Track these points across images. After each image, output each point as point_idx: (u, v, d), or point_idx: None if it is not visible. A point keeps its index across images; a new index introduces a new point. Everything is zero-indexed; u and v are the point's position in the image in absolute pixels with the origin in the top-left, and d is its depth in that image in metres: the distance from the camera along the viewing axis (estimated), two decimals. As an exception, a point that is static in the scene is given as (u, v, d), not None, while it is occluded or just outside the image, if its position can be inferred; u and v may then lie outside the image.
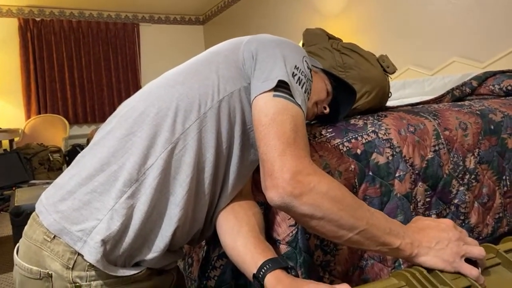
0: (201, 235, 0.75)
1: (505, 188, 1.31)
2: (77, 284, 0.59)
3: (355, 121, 1.09)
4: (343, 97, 1.03)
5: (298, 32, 3.33)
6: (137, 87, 5.39)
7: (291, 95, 0.64)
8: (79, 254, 0.59)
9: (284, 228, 0.81)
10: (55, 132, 4.72)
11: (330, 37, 1.24)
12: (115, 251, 0.60)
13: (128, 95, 5.32)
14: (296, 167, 0.57)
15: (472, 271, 0.58)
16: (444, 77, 2.00)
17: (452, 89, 1.79)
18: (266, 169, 0.59)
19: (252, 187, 0.85)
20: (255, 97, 0.65)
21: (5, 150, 4.29)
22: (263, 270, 0.58)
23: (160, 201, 0.63)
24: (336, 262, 0.94)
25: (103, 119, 5.18)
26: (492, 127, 1.30)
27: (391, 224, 0.61)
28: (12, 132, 4.25)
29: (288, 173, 0.56)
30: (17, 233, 1.87)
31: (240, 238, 0.66)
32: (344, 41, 1.29)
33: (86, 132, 5.09)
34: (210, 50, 0.76)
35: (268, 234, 0.82)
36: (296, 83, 0.66)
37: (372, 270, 1.00)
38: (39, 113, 4.82)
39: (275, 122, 0.61)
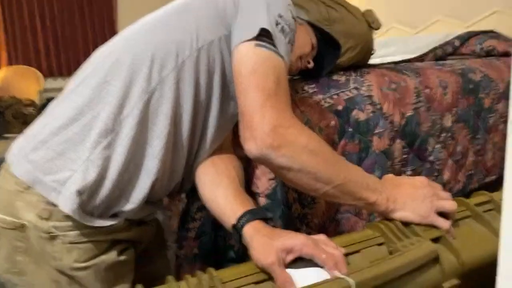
0: (180, 187, 0.74)
1: (478, 147, 1.35)
2: (53, 234, 0.59)
3: (337, 77, 1.08)
4: (327, 51, 1.01)
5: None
6: (112, 35, 5.16)
7: (274, 45, 0.62)
8: (54, 204, 0.58)
9: (263, 181, 0.82)
10: (28, 84, 4.52)
11: (316, -11, 1.19)
12: (91, 202, 0.60)
13: (104, 48, 5.11)
14: (276, 119, 0.56)
15: (444, 224, 0.60)
16: (428, 36, 1.98)
17: (435, 48, 1.79)
18: (245, 120, 0.58)
19: (232, 141, 0.84)
20: (236, 46, 0.63)
21: (-25, 102, 4.12)
22: (242, 221, 0.58)
23: (137, 152, 0.62)
24: (313, 215, 0.96)
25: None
26: (471, 86, 1.32)
27: (368, 179, 0.62)
28: (-19, 84, 4.06)
29: (267, 125, 0.55)
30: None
31: (220, 190, 0.66)
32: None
33: (61, 85, 4.90)
34: None
35: (248, 187, 0.83)
36: (280, 32, 0.63)
37: (348, 223, 1.03)
38: (10, 64, 4.58)
39: (256, 73, 0.59)
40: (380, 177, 1.02)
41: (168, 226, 0.90)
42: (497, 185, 1.51)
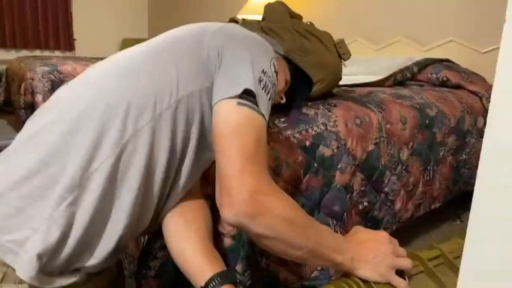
0: (144, 232, 0.72)
1: (427, 178, 1.44)
2: None
3: (306, 110, 1.09)
4: (299, 84, 1.02)
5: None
6: (67, 13, 4.81)
7: (256, 104, 0.61)
8: (9, 266, 0.54)
9: (230, 225, 0.82)
10: (-35, 54, 4.11)
11: (292, 15, 1.19)
12: (52, 263, 0.56)
13: (56, 23, 4.74)
14: (254, 187, 0.55)
15: (401, 284, 0.64)
16: (390, 58, 2.07)
17: (395, 73, 1.86)
18: (223, 185, 0.56)
19: (201, 179, 0.83)
20: (217, 101, 0.61)
21: None
22: (210, 286, 0.58)
23: (104, 207, 0.58)
24: (274, 248, 0.98)
25: (25, 45, 4.61)
26: (427, 121, 1.39)
27: (336, 240, 0.63)
28: None
29: (246, 193, 0.55)
30: None
31: (188, 245, 0.65)
32: (296, 10, 1.25)
33: (4, 57, 4.50)
34: (170, 36, 0.69)
35: (214, 227, 0.82)
36: (262, 89, 0.63)
37: (306, 254, 1.06)
38: None
39: (237, 134, 0.58)
40: (339, 211, 1.08)
41: (129, 269, 0.87)
42: (440, 211, 1.62)
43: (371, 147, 1.18)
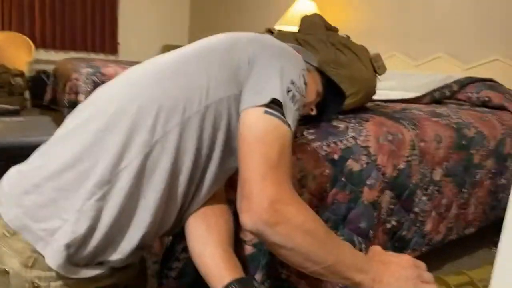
0: (168, 232, 0.74)
1: (462, 200, 1.38)
2: (36, 284, 0.57)
3: (337, 123, 1.08)
4: (331, 97, 1.01)
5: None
6: (113, 19, 5.04)
7: (283, 113, 0.61)
8: (39, 253, 0.57)
9: (252, 232, 0.82)
10: (18, 53, 4.38)
11: (328, 28, 1.19)
12: (78, 253, 0.58)
13: (102, 27, 4.98)
14: (275, 195, 0.55)
15: None
16: (427, 75, 2.01)
17: (433, 91, 1.81)
18: (244, 190, 0.57)
19: (226, 183, 0.84)
20: (245, 109, 0.62)
21: (-39, 66, 3.98)
22: None
23: (130, 204, 0.60)
24: (296, 260, 0.97)
25: (73, 47, 4.87)
26: (464, 142, 1.34)
27: (357, 258, 0.62)
28: (-30, 47, 3.91)
29: (266, 200, 0.55)
30: (-29, 169, 1.78)
31: (208, 249, 0.66)
32: (335, 23, 1.24)
33: (53, 58, 4.77)
34: (205, 43, 0.71)
35: (236, 234, 0.83)
36: (290, 100, 0.63)
37: (328, 269, 1.04)
38: (2, 29, 4.43)
39: (261, 142, 0.59)
40: (365, 228, 1.06)
41: (152, 269, 0.89)
42: (475, 237, 1.55)
43: (402, 164, 1.15)
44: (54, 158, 0.60)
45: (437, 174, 1.26)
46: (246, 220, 0.56)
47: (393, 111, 1.36)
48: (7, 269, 0.57)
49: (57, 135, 0.64)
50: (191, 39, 5.53)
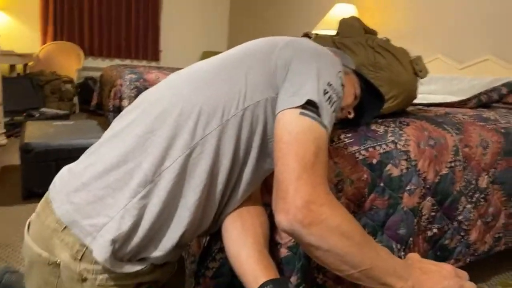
0: (206, 232, 0.75)
1: (511, 210, 1.31)
2: (84, 276, 0.61)
3: (376, 127, 1.06)
4: (369, 100, 0.99)
5: (328, 3, 3.16)
6: (156, 27, 5.24)
7: (319, 115, 0.61)
8: (87, 247, 0.60)
9: (288, 235, 0.82)
10: (69, 61, 4.66)
11: (366, 31, 1.18)
12: (123, 249, 0.61)
13: (146, 36, 5.19)
14: (310, 195, 0.55)
15: None
16: (472, 78, 1.91)
17: (480, 94, 1.72)
18: (279, 190, 0.57)
19: (262, 187, 0.85)
20: (281, 111, 0.63)
21: (18, 74, 4.28)
22: None
23: (171, 203, 0.63)
24: (332, 266, 0.96)
25: (118, 55, 5.10)
26: (513, 148, 1.26)
27: (396, 264, 0.61)
28: (26, 57, 4.20)
29: (301, 200, 0.55)
30: (26, 169, 1.91)
31: (244, 249, 0.67)
32: (374, 26, 1.22)
33: (99, 65, 5.03)
34: (243, 49, 0.72)
35: (271, 235, 0.83)
36: (326, 101, 0.63)
37: (365, 276, 1.02)
38: (55, 39, 4.73)
39: (297, 142, 0.59)
40: (405, 235, 1.03)
41: (190, 269, 0.91)
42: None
43: (444, 170, 1.10)
44: (101, 158, 0.64)
45: (484, 181, 1.20)
46: (281, 220, 0.56)
47: (436, 115, 1.31)
48: (58, 261, 0.61)
49: (104, 137, 0.68)
50: (230, 46, 5.63)
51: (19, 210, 1.86)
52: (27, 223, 0.69)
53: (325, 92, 0.63)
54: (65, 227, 0.61)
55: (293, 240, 0.83)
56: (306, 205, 0.55)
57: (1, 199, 1.96)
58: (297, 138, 0.59)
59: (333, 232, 0.56)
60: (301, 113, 0.61)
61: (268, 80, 0.66)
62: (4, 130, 3.00)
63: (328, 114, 0.63)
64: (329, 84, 0.64)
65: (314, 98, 0.61)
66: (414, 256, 0.67)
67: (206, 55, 5.53)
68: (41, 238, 0.64)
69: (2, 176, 2.30)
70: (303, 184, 0.56)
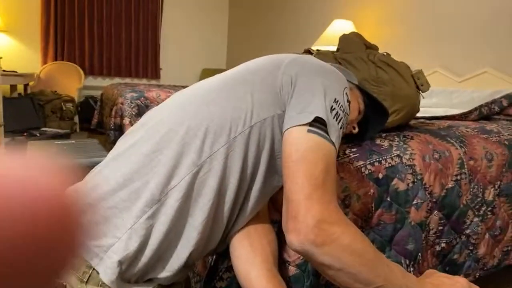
0: (213, 251, 0.74)
1: (519, 222, 1.29)
2: None
3: (380, 141, 1.06)
4: (373, 114, 1.00)
5: (326, 19, 3.20)
6: (155, 45, 5.29)
7: (326, 132, 0.61)
8: (94, 269, 0.59)
9: (296, 253, 0.81)
10: (69, 81, 4.69)
11: (367, 46, 1.19)
12: (129, 270, 0.60)
13: (146, 54, 5.24)
14: (321, 215, 0.55)
15: None
16: (473, 91, 1.93)
17: (481, 106, 1.73)
18: (289, 210, 0.57)
19: (269, 205, 0.84)
20: (288, 128, 0.63)
21: (19, 94, 4.30)
22: None
23: (179, 222, 0.62)
24: (341, 283, 0.94)
25: (118, 73, 5.14)
26: (518, 160, 1.26)
27: (408, 280, 0.60)
28: (27, 77, 4.23)
29: (312, 220, 0.54)
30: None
31: (253, 268, 0.66)
32: (373, 41, 1.23)
33: (100, 84, 5.06)
34: (248, 67, 0.73)
35: (279, 253, 0.82)
36: (333, 118, 0.63)
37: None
38: (56, 59, 4.77)
39: (305, 160, 0.59)
40: (413, 250, 1.01)
41: (195, 275, 0.90)
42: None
43: (450, 183, 1.10)
44: (106, 178, 0.63)
45: (490, 194, 1.19)
46: (293, 240, 0.55)
47: (439, 128, 1.31)
48: (64, 284, 0.60)
49: (109, 156, 0.67)
50: (229, 63, 5.68)
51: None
52: None
53: (332, 109, 0.63)
54: None
55: (301, 258, 0.82)
56: (317, 225, 0.54)
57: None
58: (305, 155, 0.59)
59: (345, 251, 0.55)
60: (309, 131, 0.61)
61: (274, 97, 0.66)
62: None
63: (335, 131, 0.63)
64: (336, 101, 0.65)
65: (322, 115, 0.61)
66: (429, 271, 0.67)
67: (206, 72, 5.58)
68: None
69: (2, 196, 2.28)
70: (314, 203, 0.55)
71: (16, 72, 3.92)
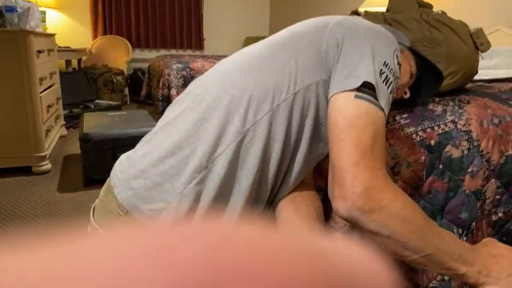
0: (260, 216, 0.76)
1: None
2: None
3: (433, 106, 1.01)
4: (426, 78, 0.94)
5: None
6: (198, 16, 5.29)
7: (375, 97, 0.59)
8: None
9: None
10: (118, 54, 4.85)
11: (420, 4, 1.10)
12: None
13: (189, 25, 5.27)
14: (369, 182, 0.54)
15: None
16: (541, 49, 1.75)
17: (549, 66, 1.58)
18: (336, 177, 0.56)
19: (314, 172, 0.83)
20: (335, 94, 0.61)
21: (74, 68, 4.52)
22: None
23: (226, 189, 0.64)
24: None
25: (164, 45, 5.23)
26: None
27: (461, 248, 0.58)
28: (80, 52, 4.43)
29: (359, 187, 0.54)
30: (85, 158, 2.03)
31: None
32: None
33: (147, 56, 5.19)
34: (292, 30, 0.71)
35: (325, 220, 0.82)
36: (383, 82, 0.60)
37: (423, 262, 0.98)
38: (105, 33, 4.93)
39: (353, 127, 0.57)
40: (467, 219, 0.97)
41: None
42: None
43: (511, 150, 1.02)
44: (157, 146, 0.66)
45: (556, 162, 1.10)
46: (339, 207, 0.55)
47: (500, 91, 1.21)
48: None
49: (159, 125, 0.70)
50: (272, 30, 5.57)
51: (81, 196, 1.99)
52: (92, 208, 0.73)
53: (381, 73, 0.61)
54: (126, 212, 0.64)
55: (348, 225, 0.82)
56: (365, 192, 0.53)
57: (65, 186, 2.11)
58: (353, 122, 0.57)
59: (394, 218, 0.54)
60: (357, 96, 0.59)
61: (319, 62, 0.65)
62: (64, 122, 3.20)
63: (385, 96, 0.60)
64: (386, 64, 0.62)
65: (370, 79, 0.59)
66: (488, 239, 0.64)
67: (249, 40, 5.52)
68: (105, 222, 0.67)
69: (64, 165, 2.47)
70: (362, 170, 0.54)
71: (69, 47, 4.12)
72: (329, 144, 0.60)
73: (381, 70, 0.60)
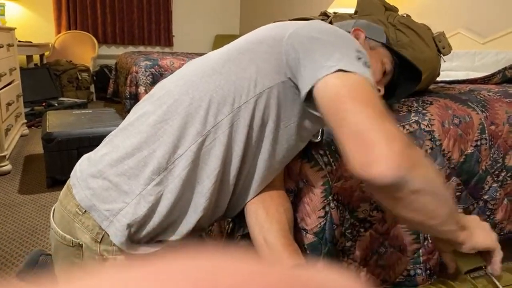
0: (223, 217, 0.76)
1: (540, 188, 1.27)
2: (104, 256, 0.63)
3: (398, 107, 1.04)
4: (404, 75, 0.93)
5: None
6: (167, 12, 5.20)
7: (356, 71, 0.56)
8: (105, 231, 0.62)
9: (313, 219, 0.82)
10: (84, 50, 4.69)
11: (387, 8, 1.14)
12: (139, 233, 0.63)
13: (158, 21, 5.17)
14: (401, 138, 0.50)
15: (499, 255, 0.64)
16: (497, 52, 1.84)
17: (504, 69, 1.66)
18: (362, 141, 0.50)
19: (284, 173, 0.84)
20: (317, 81, 0.57)
21: (35, 64, 4.33)
22: None
23: (187, 190, 0.64)
24: (357, 248, 0.96)
25: (131, 42, 5.11)
26: (542, 124, 1.22)
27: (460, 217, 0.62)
28: (42, 47, 4.24)
29: (396, 143, 0.48)
30: (49, 158, 1.95)
31: (270, 236, 0.67)
32: (393, 2, 1.18)
33: (114, 53, 5.05)
34: (253, 36, 0.70)
35: (296, 223, 0.83)
36: (363, 65, 0.58)
37: (390, 257, 1.02)
38: (69, 28, 4.75)
39: (358, 90, 0.53)
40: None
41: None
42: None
43: (470, 149, 1.08)
44: (116, 147, 0.65)
45: (511, 159, 1.17)
46: (382, 170, 0.48)
47: (460, 92, 1.27)
48: (80, 243, 0.63)
49: (120, 126, 0.69)
50: (243, 28, 5.56)
51: (44, 197, 1.91)
52: (52, 209, 0.72)
53: (359, 58, 0.58)
54: (84, 211, 0.63)
55: (319, 226, 0.83)
56: (403, 149, 0.49)
57: (26, 187, 2.02)
58: (355, 88, 0.54)
59: (433, 172, 0.53)
60: (341, 71, 0.55)
61: (279, 64, 0.64)
62: (25, 121, 3.06)
63: (363, 69, 0.57)
64: (358, 51, 0.59)
65: (347, 67, 0.56)
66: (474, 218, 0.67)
67: (219, 38, 5.49)
68: (64, 222, 0.66)
69: (26, 165, 2.36)
70: (389, 126, 0.50)
71: (31, 42, 3.93)
72: (334, 124, 0.55)
73: (358, 56, 0.58)
